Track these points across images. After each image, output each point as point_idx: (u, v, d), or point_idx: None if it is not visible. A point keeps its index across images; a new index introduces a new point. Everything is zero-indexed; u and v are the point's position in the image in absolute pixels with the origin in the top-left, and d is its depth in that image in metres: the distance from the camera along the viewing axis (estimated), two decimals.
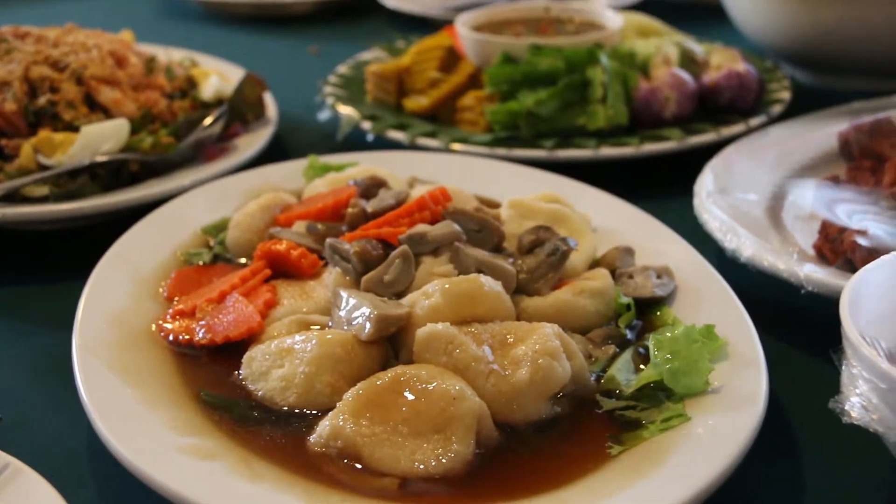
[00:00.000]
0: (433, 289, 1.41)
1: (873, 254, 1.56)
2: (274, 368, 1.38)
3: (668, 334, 1.41)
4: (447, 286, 1.41)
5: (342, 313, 1.44)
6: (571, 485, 1.21)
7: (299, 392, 1.34)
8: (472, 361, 1.32)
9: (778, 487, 1.32)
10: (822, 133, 2.21)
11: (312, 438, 1.28)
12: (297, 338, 1.40)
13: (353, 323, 1.40)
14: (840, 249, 1.66)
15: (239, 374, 1.42)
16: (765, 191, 1.97)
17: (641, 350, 1.46)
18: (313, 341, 1.37)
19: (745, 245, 1.68)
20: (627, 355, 1.45)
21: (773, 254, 1.66)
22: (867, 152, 2.06)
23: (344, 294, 1.46)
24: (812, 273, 1.57)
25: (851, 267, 1.59)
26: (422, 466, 1.22)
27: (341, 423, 1.26)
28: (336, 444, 1.25)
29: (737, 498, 1.28)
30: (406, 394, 1.28)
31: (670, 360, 1.36)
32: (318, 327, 1.46)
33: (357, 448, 1.24)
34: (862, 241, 1.63)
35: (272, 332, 1.46)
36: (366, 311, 1.40)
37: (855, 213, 1.83)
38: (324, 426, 1.27)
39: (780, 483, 1.33)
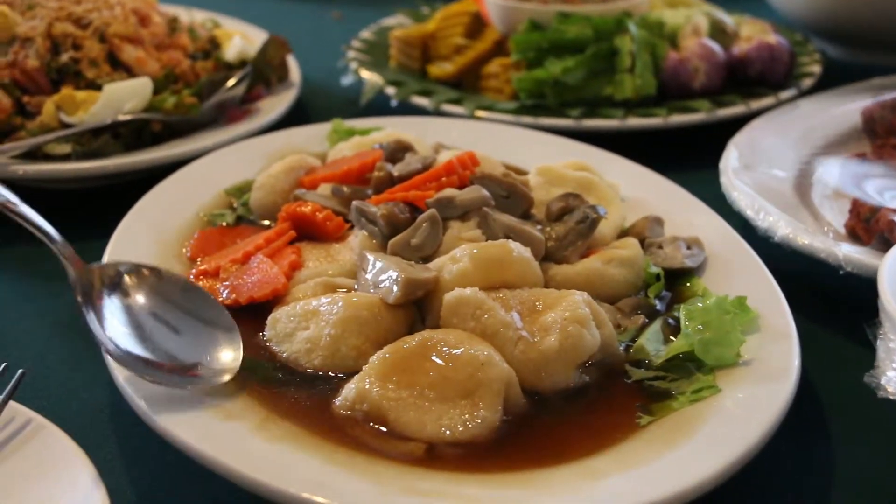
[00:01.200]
0: (461, 253, 1.39)
1: None
2: (299, 330, 1.36)
3: (700, 305, 1.39)
4: (476, 251, 1.39)
5: (369, 276, 1.42)
6: (600, 454, 1.20)
7: (325, 354, 1.33)
8: (500, 327, 1.30)
9: (809, 462, 1.31)
10: (845, 109, 2.18)
11: (338, 401, 1.26)
12: (323, 300, 1.38)
13: (381, 286, 1.38)
14: (875, 228, 1.62)
15: (263, 335, 1.40)
16: (791, 167, 1.94)
17: (671, 321, 1.44)
18: (339, 304, 1.35)
19: (780, 224, 1.65)
20: (657, 325, 1.43)
21: (809, 234, 1.63)
22: (892, 129, 2.02)
23: (371, 257, 1.44)
24: (851, 254, 1.54)
25: (887, 246, 1.56)
26: (448, 432, 1.21)
27: (367, 387, 1.24)
28: (362, 408, 1.24)
29: (767, 472, 1.26)
30: (433, 358, 1.26)
31: (701, 330, 1.34)
32: (344, 290, 1.44)
33: (383, 412, 1.23)
34: None
35: (297, 294, 1.44)
36: (393, 274, 1.38)
37: (887, 190, 1.80)
38: (350, 389, 1.26)
39: (811, 458, 1.31)
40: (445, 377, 1.24)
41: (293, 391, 1.30)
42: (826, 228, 1.71)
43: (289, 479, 1.10)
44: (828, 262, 1.56)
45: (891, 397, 1.17)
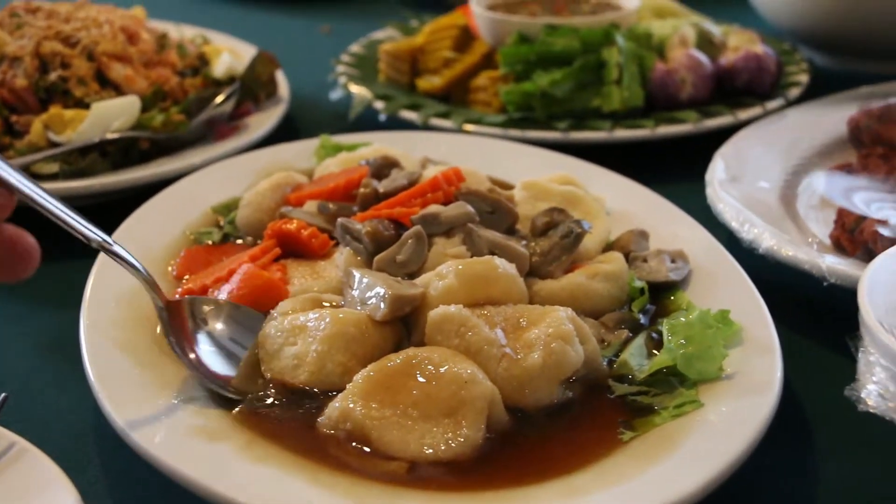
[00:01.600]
0: (446, 270, 1.40)
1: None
2: (287, 346, 1.36)
3: (683, 319, 1.39)
4: (461, 267, 1.39)
5: (355, 293, 1.42)
6: (582, 471, 1.20)
7: (311, 371, 1.32)
8: (484, 345, 1.30)
9: (791, 476, 1.31)
10: (832, 119, 2.17)
11: (321, 420, 1.26)
12: (311, 315, 1.38)
13: (368, 303, 1.39)
14: (860, 239, 1.63)
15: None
16: (777, 178, 1.95)
17: (655, 335, 1.45)
18: (327, 319, 1.35)
19: (764, 236, 1.65)
20: (640, 340, 1.43)
21: (793, 245, 1.63)
22: (878, 138, 2.03)
23: (357, 274, 1.45)
24: (834, 265, 1.55)
25: (871, 257, 1.56)
26: (431, 451, 1.21)
27: (351, 406, 1.24)
28: (345, 427, 1.24)
29: (749, 486, 1.26)
30: (417, 377, 1.26)
31: (684, 345, 1.34)
32: (331, 304, 1.45)
33: (366, 431, 1.23)
34: (883, 230, 1.60)
35: (284, 308, 1.44)
36: (380, 290, 1.38)
37: (873, 201, 1.80)
38: (333, 408, 1.26)
39: (794, 472, 1.31)
40: (429, 395, 1.25)
41: (278, 412, 1.30)
42: (810, 240, 1.71)
43: (272, 502, 1.10)
44: (812, 274, 1.56)
45: (871, 410, 1.17)
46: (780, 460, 1.32)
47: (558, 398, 1.32)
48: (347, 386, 1.28)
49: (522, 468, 1.21)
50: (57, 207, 1.25)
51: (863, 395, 1.19)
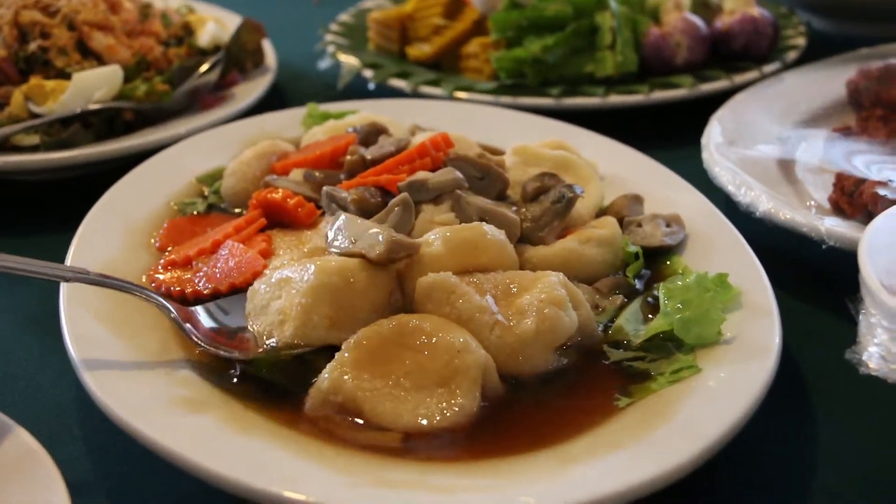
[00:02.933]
0: (434, 237, 1.36)
1: None
2: (273, 300, 1.31)
3: (680, 283, 1.36)
4: (448, 234, 1.35)
5: (344, 234, 1.36)
6: (578, 438, 1.16)
7: (296, 325, 1.27)
8: (475, 312, 1.27)
9: (791, 442, 1.28)
10: (831, 81, 2.14)
11: (311, 392, 1.23)
12: (296, 266, 1.32)
13: (363, 241, 1.32)
14: (859, 202, 1.59)
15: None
16: (775, 142, 1.91)
17: (650, 300, 1.41)
18: (310, 270, 1.29)
19: (761, 199, 1.61)
20: (636, 305, 1.40)
21: (791, 208, 1.59)
22: (878, 100, 1.99)
23: (349, 216, 1.39)
24: (834, 227, 1.51)
25: (871, 219, 1.52)
26: (425, 421, 1.18)
27: (341, 377, 1.21)
28: (336, 399, 1.20)
29: (748, 452, 1.23)
30: (409, 346, 1.23)
31: (681, 309, 1.31)
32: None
33: (358, 402, 1.20)
34: (883, 192, 1.56)
35: (276, 264, 1.38)
36: (377, 232, 1.32)
37: (872, 163, 1.76)
38: (323, 379, 1.22)
39: (793, 437, 1.28)
40: (421, 365, 1.21)
41: (263, 382, 1.26)
42: (809, 203, 1.67)
43: (256, 474, 1.07)
44: (810, 237, 1.53)
45: (872, 373, 1.14)
46: (780, 425, 1.29)
47: (553, 365, 1.28)
48: (336, 356, 1.24)
49: (517, 437, 1.18)
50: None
51: (864, 358, 1.16)
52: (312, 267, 1.29)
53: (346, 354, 1.23)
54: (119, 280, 1.35)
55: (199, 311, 1.37)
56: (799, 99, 2.08)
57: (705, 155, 1.80)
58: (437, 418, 1.18)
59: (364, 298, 1.30)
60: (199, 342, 1.30)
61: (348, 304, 1.28)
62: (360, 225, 1.37)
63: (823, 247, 1.51)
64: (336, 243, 1.36)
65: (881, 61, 2.07)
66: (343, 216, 1.40)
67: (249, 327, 1.33)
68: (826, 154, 1.85)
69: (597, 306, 1.39)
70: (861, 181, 1.63)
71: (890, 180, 1.61)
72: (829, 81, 2.14)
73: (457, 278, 1.30)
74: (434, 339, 1.23)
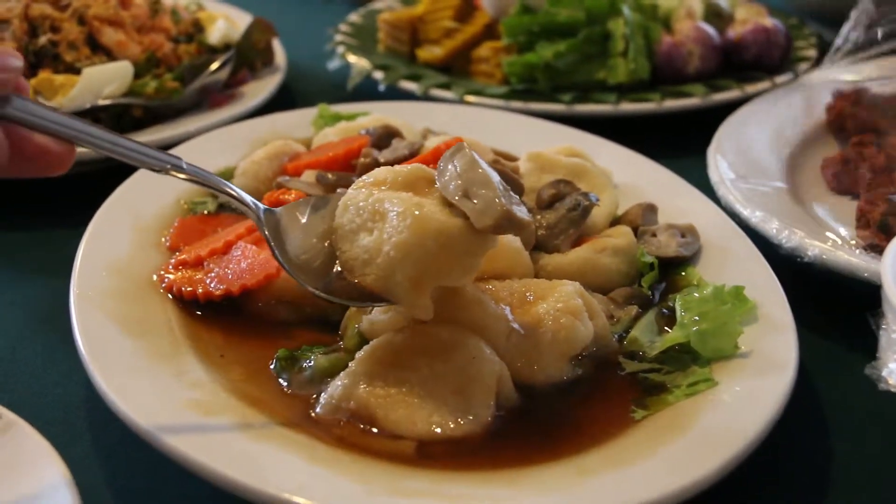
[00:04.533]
0: None
1: None
2: (363, 231, 1.21)
3: (697, 295, 1.35)
4: None
5: (462, 179, 1.20)
6: (592, 450, 1.15)
7: (378, 275, 1.18)
8: (491, 320, 1.25)
9: (808, 457, 1.26)
10: (808, 105, 2.11)
11: (322, 399, 1.21)
12: (395, 202, 1.19)
13: (471, 198, 1.18)
14: (893, 231, 1.55)
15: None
16: (779, 175, 1.86)
17: (665, 311, 1.40)
18: (408, 220, 1.15)
19: (807, 243, 1.54)
20: (651, 316, 1.39)
21: (841, 250, 1.53)
22: (864, 124, 1.95)
23: (475, 157, 1.23)
24: (870, 265, 1.46)
25: None
26: (439, 429, 1.16)
27: (354, 384, 1.20)
28: (348, 406, 1.19)
29: (764, 467, 1.22)
30: (424, 353, 1.21)
31: (698, 321, 1.30)
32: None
33: (371, 410, 1.18)
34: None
35: (380, 176, 1.25)
36: (491, 195, 1.18)
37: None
38: (335, 386, 1.21)
39: (811, 453, 1.27)
40: (436, 372, 1.20)
41: (276, 386, 1.25)
42: (842, 242, 1.59)
43: (269, 479, 1.05)
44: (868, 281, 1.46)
45: (892, 389, 1.13)
46: (797, 441, 1.27)
47: (568, 375, 1.27)
48: (350, 364, 1.22)
49: (531, 447, 1.17)
50: (118, 145, 1.16)
51: (884, 374, 1.15)
52: (410, 218, 1.16)
53: (360, 361, 1.22)
54: (213, 176, 1.29)
55: (282, 214, 1.31)
56: (784, 126, 2.04)
57: (722, 191, 1.72)
58: (452, 426, 1.17)
59: (454, 267, 1.18)
60: (283, 264, 1.26)
61: (436, 270, 1.17)
62: (479, 175, 1.20)
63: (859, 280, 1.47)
64: (445, 180, 1.22)
65: (851, 85, 2.06)
66: (468, 152, 1.24)
67: (333, 242, 1.25)
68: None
69: (612, 316, 1.38)
70: (885, 206, 1.61)
71: None
72: (807, 106, 2.12)
73: (473, 285, 1.29)
74: (449, 346, 1.22)
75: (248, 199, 1.30)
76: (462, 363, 1.19)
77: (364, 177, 1.26)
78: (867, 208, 1.64)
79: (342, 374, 1.21)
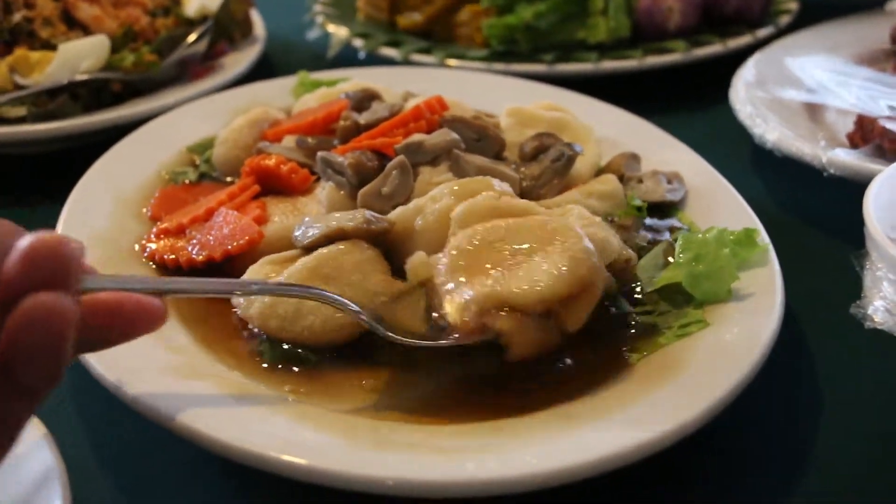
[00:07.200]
0: (440, 192, 1.32)
1: None
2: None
3: (700, 236, 1.33)
4: (456, 188, 1.32)
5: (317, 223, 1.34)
6: (587, 396, 1.14)
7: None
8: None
9: (797, 397, 1.26)
10: (873, 29, 2.14)
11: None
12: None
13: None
14: (870, 137, 1.57)
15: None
16: (807, 87, 1.89)
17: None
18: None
19: (771, 130, 1.61)
20: (658, 249, 1.37)
21: (800, 140, 1.58)
22: None
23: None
24: (835, 157, 1.50)
25: (879, 152, 1.51)
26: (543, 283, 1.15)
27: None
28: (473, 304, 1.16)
29: (754, 407, 1.21)
30: (497, 242, 1.21)
31: (694, 262, 1.29)
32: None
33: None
34: (891, 126, 1.54)
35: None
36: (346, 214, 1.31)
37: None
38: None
39: (799, 393, 1.27)
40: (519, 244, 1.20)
41: (258, 344, 1.25)
42: (820, 135, 1.65)
43: (251, 438, 1.04)
44: (813, 166, 1.52)
45: (877, 327, 1.13)
46: (786, 381, 1.27)
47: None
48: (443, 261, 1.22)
49: (524, 395, 1.15)
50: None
51: (869, 312, 1.16)
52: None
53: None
54: (300, 287, 1.23)
55: None
56: (839, 45, 2.08)
57: (731, 92, 1.80)
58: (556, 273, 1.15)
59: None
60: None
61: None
62: (327, 217, 1.34)
63: (825, 174, 1.49)
64: (309, 234, 1.32)
65: None
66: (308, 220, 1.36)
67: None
68: (857, 97, 1.81)
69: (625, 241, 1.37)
70: (875, 118, 1.61)
71: None
72: (871, 29, 2.14)
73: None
74: (519, 223, 1.22)
75: (353, 306, 1.20)
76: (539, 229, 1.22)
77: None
78: (866, 116, 1.64)
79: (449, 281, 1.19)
